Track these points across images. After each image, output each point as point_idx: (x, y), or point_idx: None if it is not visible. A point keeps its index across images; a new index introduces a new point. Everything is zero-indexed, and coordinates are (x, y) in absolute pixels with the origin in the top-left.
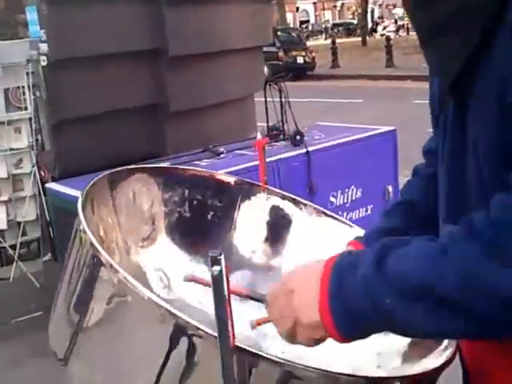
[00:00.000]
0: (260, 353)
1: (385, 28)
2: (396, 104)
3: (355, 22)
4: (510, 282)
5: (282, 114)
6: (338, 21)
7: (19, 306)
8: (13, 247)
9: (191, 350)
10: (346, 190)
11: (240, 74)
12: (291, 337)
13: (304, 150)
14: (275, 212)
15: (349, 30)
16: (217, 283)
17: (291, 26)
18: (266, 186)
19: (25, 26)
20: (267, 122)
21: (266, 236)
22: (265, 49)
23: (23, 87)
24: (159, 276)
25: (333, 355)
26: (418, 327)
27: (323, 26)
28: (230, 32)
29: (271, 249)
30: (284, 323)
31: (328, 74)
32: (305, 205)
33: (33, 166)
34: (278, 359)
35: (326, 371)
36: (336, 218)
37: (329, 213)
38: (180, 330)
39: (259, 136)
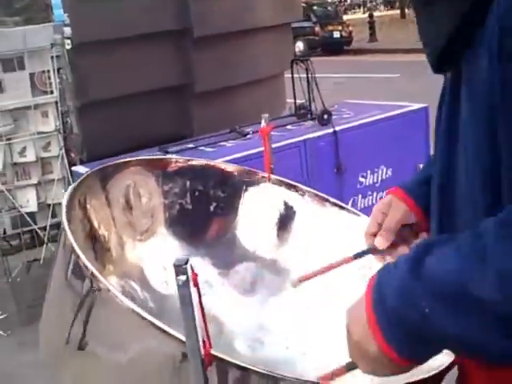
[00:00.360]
0: (233, 361)
1: None
2: (435, 78)
3: None
4: None
5: (308, 93)
6: None
7: None
8: (43, 229)
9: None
10: (376, 170)
11: (269, 51)
12: (374, 375)
13: (331, 130)
14: (280, 201)
15: (389, 2)
16: (183, 293)
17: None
18: (271, 175)
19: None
20: (294, 101)
21: (270, 226)
22: (300, 24)
23: (48, 71)
24: (158, 270)
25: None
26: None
27: None
28: (257, 9)
29: (277, 239)
30: (362, 367)
31: (365, 48)
32: (310, 193)
33: (60, 149)
34: (250, 367)
35: (303, 380)
36: (342, 207)
37: (333, 200)
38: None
39: (263, 123)
